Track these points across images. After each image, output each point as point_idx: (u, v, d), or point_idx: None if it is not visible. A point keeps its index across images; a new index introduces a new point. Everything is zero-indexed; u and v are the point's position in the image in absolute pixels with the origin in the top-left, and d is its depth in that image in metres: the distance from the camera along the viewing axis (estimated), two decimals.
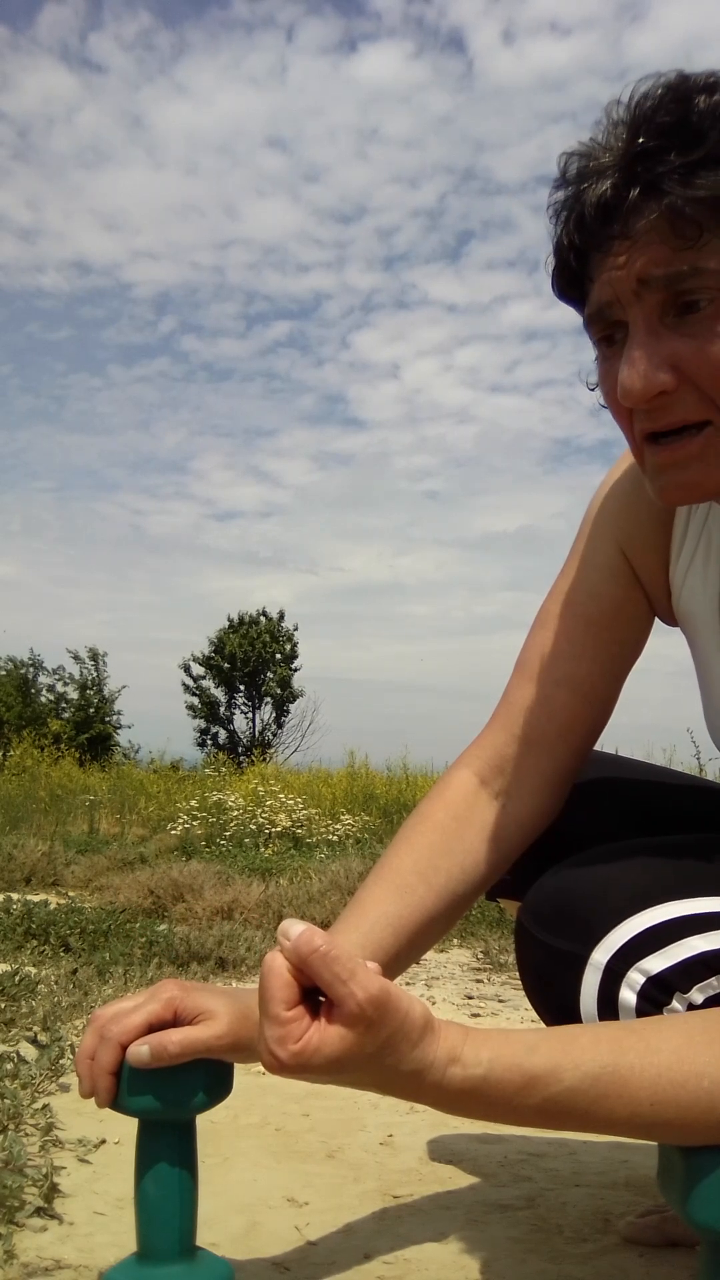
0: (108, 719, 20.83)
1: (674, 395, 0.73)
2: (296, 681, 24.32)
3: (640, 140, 0.70)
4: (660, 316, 0.72)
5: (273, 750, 22.67)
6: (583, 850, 0.89)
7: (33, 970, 2.27)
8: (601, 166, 0.72)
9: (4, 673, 20.63)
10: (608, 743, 1.03)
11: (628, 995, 0.78)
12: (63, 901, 3.53)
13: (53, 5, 36.08)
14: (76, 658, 21.31)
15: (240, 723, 24.52)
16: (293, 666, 24.47)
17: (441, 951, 3.01)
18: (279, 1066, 0.62)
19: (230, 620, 24.51)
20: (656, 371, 0.72)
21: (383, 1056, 0.62)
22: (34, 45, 34.40)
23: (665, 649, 1.07)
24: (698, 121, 0.68)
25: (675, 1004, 0.77)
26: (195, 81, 36.88)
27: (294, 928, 0.61)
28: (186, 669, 24.36)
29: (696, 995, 0.77)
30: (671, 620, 0.96)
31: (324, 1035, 0.61)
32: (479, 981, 2.61)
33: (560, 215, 0.75)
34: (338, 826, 6.43)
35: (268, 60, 38.10)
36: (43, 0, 38.01)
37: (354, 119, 38.58)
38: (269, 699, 24.36)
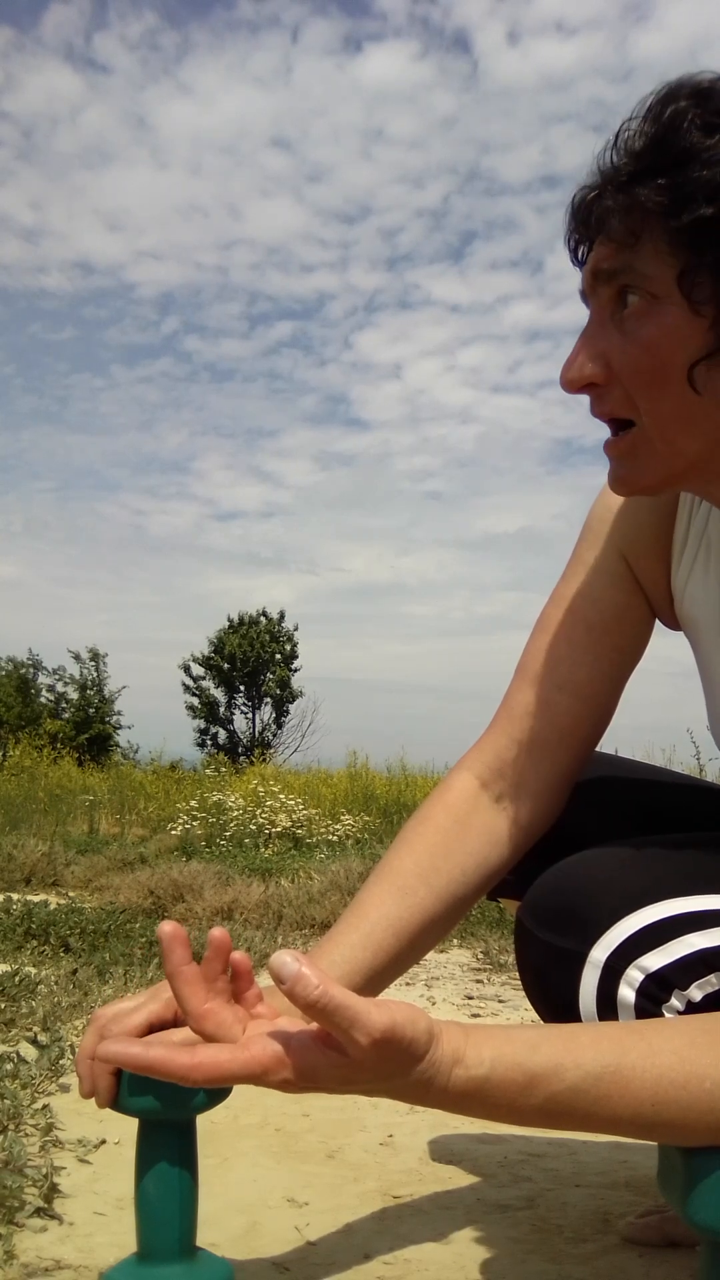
0: (108, 719, 20.85)
1: (604, 389, 0.79)
2: (296, 682, 24.36)
3: (609, 156, 0.77)
4: (611, 313, 0.78)
5: (272, 750, 22.68)
6: (582, 848, 0.89)
7: (33, 970, 2.27)
8: (589, 177, 0.81)
9: (4, 673, 20.64)
10: (607, 743, 1.03)
11: (626, 992, 0.79)
12: (63, 901, 3.53)
13: (58, 5, 36.14)
14: (77, 658, 21.36)
15: (240, 723, 24.56)
16: (292, 667, 24.49)
17: (441, 952, 3.01)
18: (285, 1086, 0.62)
19: (230, 620, 24.55)
20: (586, 363, 0.78)
21: (390, 1078, 0.62)
22: (38, 45, 34.47)
23: (665, 650, 1.07)
24: (646, 143, 0.75)
25: (674, 1001, 0.77)
26: (200, 82, 36.90)
27: (285, 969, 0.58)
28: (186, 669, 24.39)
29: (695, 992, 0.77)
30: (674, 625, 0.97)
31: (328, 1060, 0.61)
32: (479, 982, 2.61)
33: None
34: (338, 827, 6.44)
35: (272, 60, 38.12)
36: (48, 0, 38.05)
37: (358, 119, 38.61)
38: (269, 699, 24.37)
